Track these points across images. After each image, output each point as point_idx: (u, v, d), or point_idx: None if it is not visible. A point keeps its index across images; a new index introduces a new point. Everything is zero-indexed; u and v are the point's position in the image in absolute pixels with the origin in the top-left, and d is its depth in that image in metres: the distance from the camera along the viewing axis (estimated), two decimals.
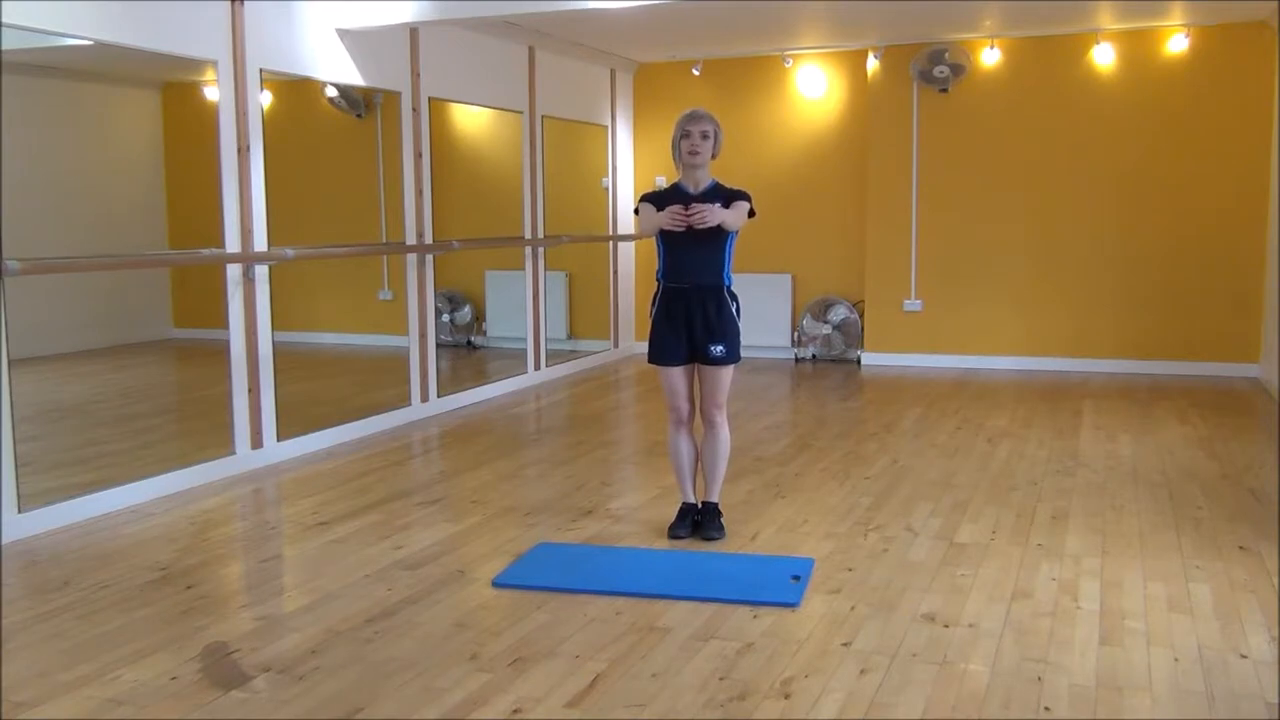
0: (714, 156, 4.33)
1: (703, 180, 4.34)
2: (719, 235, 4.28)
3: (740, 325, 4.39)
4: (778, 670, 3.15)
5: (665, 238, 4.32)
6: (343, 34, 6.33)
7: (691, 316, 4.31)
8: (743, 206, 4.28)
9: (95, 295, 7.16)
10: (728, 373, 4.37)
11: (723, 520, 4.49)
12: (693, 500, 4.53)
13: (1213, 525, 4.56)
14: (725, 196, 4.32)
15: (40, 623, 3.59)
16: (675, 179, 4.43)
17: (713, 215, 4.13)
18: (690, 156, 4.26)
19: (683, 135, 4.28)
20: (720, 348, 4.31)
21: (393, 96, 6.90)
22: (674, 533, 4.45)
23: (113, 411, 6.88)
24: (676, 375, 4.39)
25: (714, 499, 4.50)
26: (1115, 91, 8.52)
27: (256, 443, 5.76)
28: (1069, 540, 4.37)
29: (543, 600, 3.72)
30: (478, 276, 8.89)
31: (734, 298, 4.38)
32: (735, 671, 3.14)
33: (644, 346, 4.38)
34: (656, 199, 4.39)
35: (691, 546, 4.35)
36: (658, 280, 4.40)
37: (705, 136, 4.26)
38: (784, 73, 9.48)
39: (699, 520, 4.47)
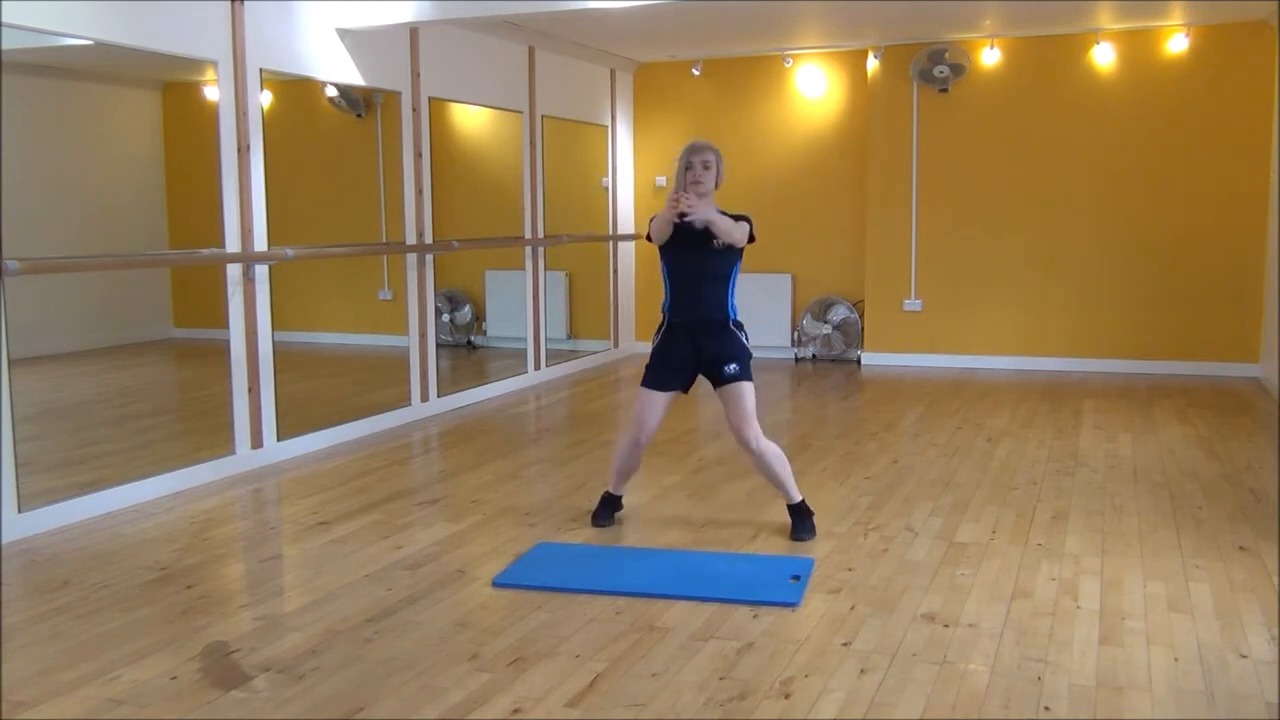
0: (716, 186, 4.39)
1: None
2: (722, 266, 4.35)
3: (750, 350, 4.42)
4: (778, 670, 3.15)
5: (670, 269, 4.40)
6: (343, 34, 6.33)
7: (698, 348, 4.37)
8: (743, 226, 4.32)
9: (95, 295, 7.15)
10: (747, 390, 4.35)
11: (813, 520, 4.47)
12: (618, 493, 4.64)
13: (1213, 525, 4.56)
14: None
15: (40, 623, 3.59)
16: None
17: (700, 207, 4.17)
18: (694, 186, 4.33)
19: (686, 166, 4.35)
20: (733, 365, 4.34)
21: (393, 96, 6.90)
22: (596, 521, 4.59)
23: (113, 411, 6.88)
24: (658, 400, 4.42)
25: (795, 499, 4.47)
26: (1115, 91, 8.52)
27: (256, 443, 5.76)
28: (1069, 540, 4.37)
29: (543, 600, 3.72)
30: (478, 276, 8.89)
31: (740, 328, 4.43)
32: (735, 671, 3.14)
33: (644, 346, 4.40)
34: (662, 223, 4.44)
35: (692, 546, 4.35)
36: (663, 313, 4.46)
37: (706, 166, 4.33)
38: (784, 73, 9.48)
39: (797, 521, 4.45)
